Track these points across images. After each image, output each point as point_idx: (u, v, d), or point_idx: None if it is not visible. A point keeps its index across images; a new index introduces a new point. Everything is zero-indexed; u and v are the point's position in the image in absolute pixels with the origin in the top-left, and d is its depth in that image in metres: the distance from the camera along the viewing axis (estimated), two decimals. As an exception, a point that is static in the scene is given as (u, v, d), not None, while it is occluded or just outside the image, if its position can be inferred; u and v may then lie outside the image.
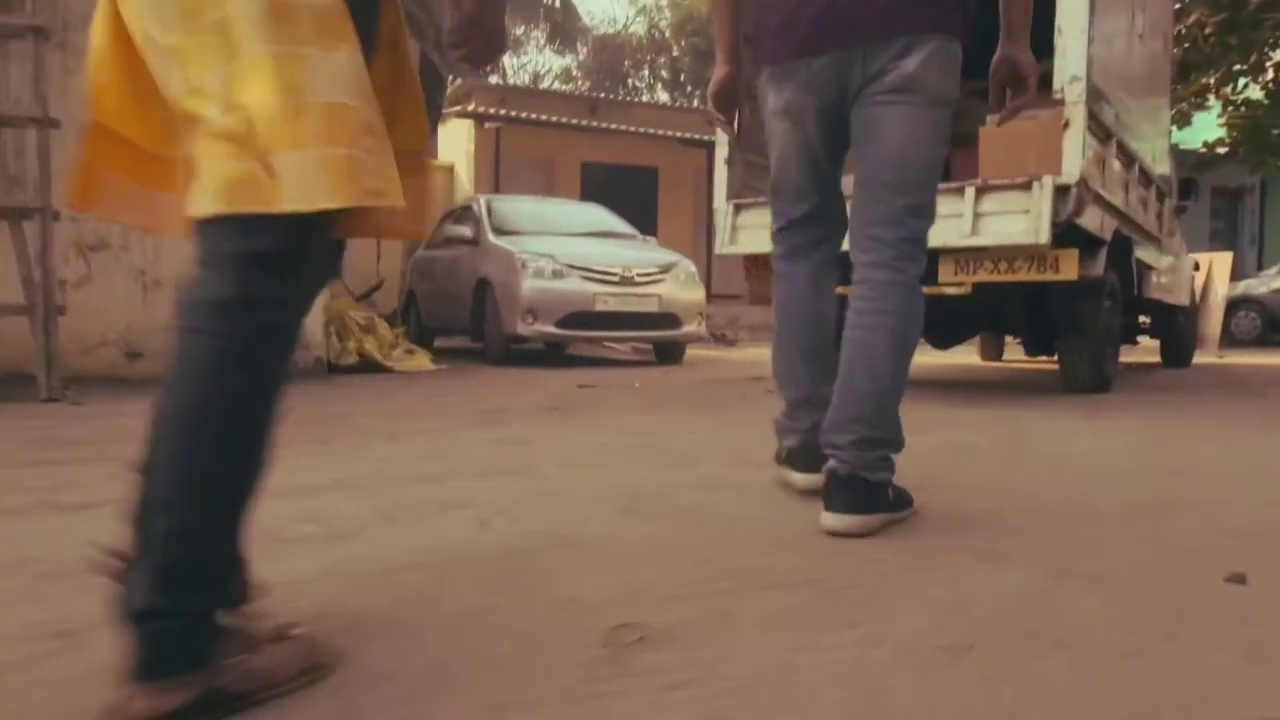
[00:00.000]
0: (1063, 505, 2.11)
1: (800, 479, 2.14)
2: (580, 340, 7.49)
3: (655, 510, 2.03)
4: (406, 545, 1.70)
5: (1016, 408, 4.26)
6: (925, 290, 2.02)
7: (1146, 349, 8.30)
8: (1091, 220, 4.34)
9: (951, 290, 4.46)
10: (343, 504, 2.03)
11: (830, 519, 1.80)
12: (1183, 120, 13.91)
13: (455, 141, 17.46)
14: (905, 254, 1.88)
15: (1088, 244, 4.39)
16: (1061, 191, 4.04)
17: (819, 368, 2.11)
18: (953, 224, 4.23)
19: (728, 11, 2.19)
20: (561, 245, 7.62)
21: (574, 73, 29.67)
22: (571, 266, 7.28)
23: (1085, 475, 2.49)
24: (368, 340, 6.72)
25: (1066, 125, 4.08)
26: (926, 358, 7.34)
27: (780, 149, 2.07)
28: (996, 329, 5.55)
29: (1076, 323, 4.79)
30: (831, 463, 1.84)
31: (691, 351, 9.80)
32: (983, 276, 4.33)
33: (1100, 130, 4.47)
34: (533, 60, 33.97)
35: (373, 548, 1.68)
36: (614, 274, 7.31)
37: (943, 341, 5.68)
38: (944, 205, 4.33)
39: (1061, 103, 4.09)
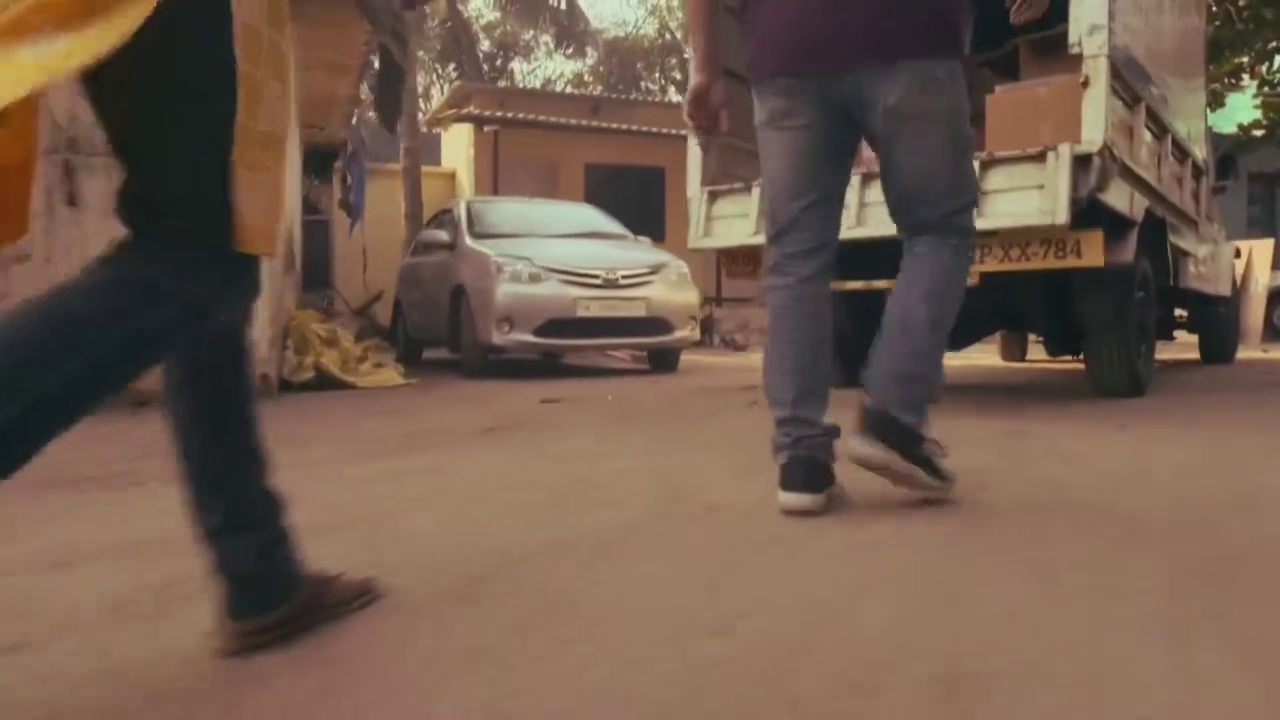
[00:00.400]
0: (1083, 567, 1.51)
1: (787, 499, 1.94)
2: (559, 349, 6.92)
3: (502, 590, 1.46)
4: (88, 664, 1.14)
5: (1035, 418, 3.64)
6: None
7: (1184, 344, 7.60)
8: (1119, 197, 3.72)
9: (956, 282, 3.85)
10: (71, 584, 1.49)
11: (854, 443, 1.91)
12: (1215, 102, 13.09)
13: (456, 147, 17.02)
14: (953, 229, 1.98)
15: (1115, 225, 3.77)
16: (1081, 162, 3.42)
17: (808, 383, 2.00)
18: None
19: (704, 22, 2.15)
20: (541, 247, 7.08)
21: (586, 78, 29.19)
22: (550, 269, 6.73)
23: (1116, 515, 1.88)
24: (327, 354, 6.22)
25: (1086, 83, 3.46)
26: (940, 360, 6.68)
27: (769, 158, 2.06)
28: (1014, 326, 4.91)
29: (1104, 317, 4.15)
30: (866, 400, 1.93)
31: (693, 358, 9.23)
32: (991, 265, 3.72)
33: (1127, 92, 3.84)
34: (543, 66, 33.57)
35: (26, 673, 1.13)
36: (596, 276, 6.75)
37: (951, 342, 5.03)
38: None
39: (1079, 58, 3.48)
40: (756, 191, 4.22)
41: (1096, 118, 3.44)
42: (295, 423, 3.90)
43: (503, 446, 3.07)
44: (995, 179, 3.58)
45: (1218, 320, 7.02)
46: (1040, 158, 3.45)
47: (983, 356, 7.90)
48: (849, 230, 3.25)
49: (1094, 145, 3.42)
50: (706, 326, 13.04)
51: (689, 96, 2.15)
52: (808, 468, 1.93)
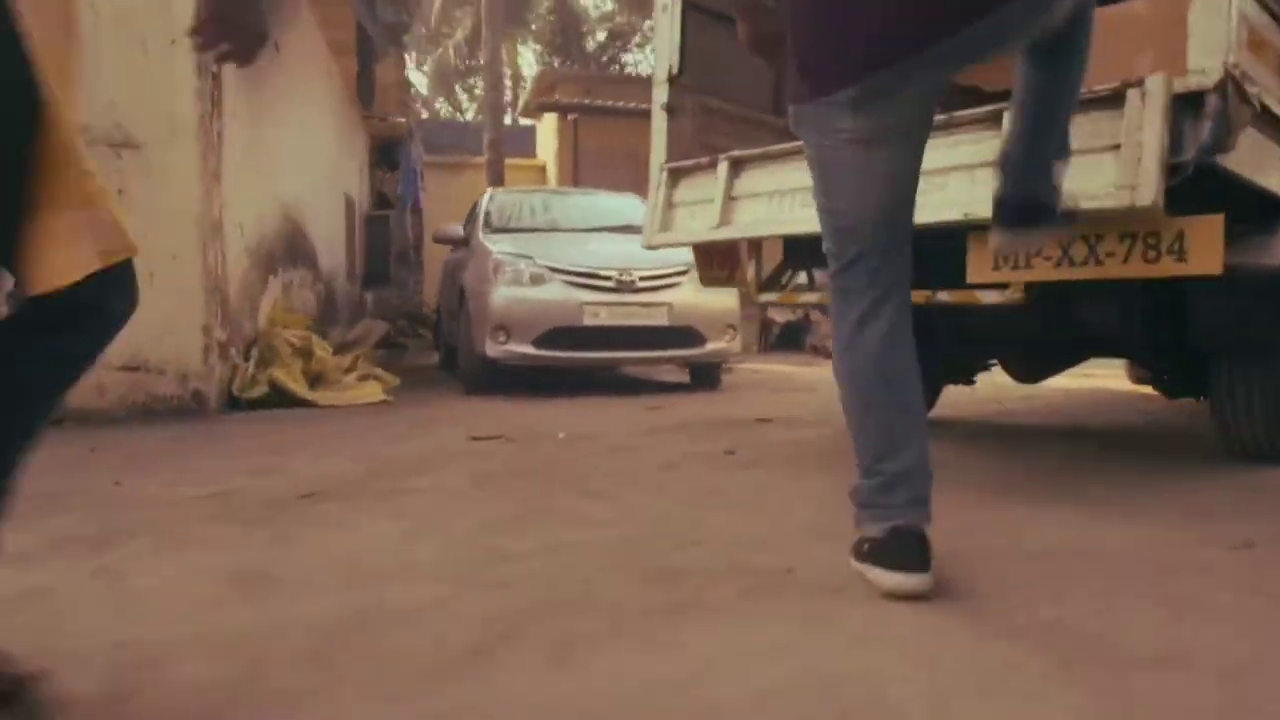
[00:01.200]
0: None
1: (889, 580, 1.59)
2: (560, 364, 5.86)
3: None
4: None
5: (1116, 501, 2.35)
6: (947, 297, 2.35)
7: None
8: (1258, 165, 2.36)
9: (991, 298, 2.58)
10: None
11: (1001, 237, 2.03)
12: None
13: (546, 137, 16.31)
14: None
15: (1251, 209, 2.42)
16: (1187, 105, 2.12)
17: (905, 425, 1.69)
18: (980, 179, 2.39)
19: None
20: (551, 244, 6.09)
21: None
22: (554, 270, 5.73)
23: None
24: (294, 366, 5.45)
25: (1195, -22, 2.15)
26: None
27: (856, 178, 1.72)
28: (1105, 354, 3.50)
29: (1238, 345, 2.78)
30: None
31: (770, 366, 8.07)
32: (1042, 273, 2.42)
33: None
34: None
35: None
36: (607, 278, 5.70)
37: (1026, 372, 3.70)
38: (963, 144, 2.50)
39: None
40: (723, 169, 3.08)
41: (1215, 32, 2.12)
42: (109, 460, 3.05)
43: (237, 545, 2.08)
44: (1046, 138, 2.30)
45: None
46: (1116, 99, 2.15)
47: (1106, 375, 6.32)
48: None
49: (1209, 76, 2.10)
50: (801, 330, 11.74)
51: (749, 40, 1.95)
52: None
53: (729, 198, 3.05)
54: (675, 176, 3.35)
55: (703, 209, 3.17)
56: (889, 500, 1.66)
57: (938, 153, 2.42)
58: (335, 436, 4.01)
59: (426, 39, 24.48)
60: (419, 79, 26.81)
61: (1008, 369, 3.72)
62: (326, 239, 8.49)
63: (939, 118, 2.44)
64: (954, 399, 4.37)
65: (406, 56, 10.01)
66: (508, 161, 14.51)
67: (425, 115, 25.82)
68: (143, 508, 2.45)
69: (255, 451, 3.50)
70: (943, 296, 2.67)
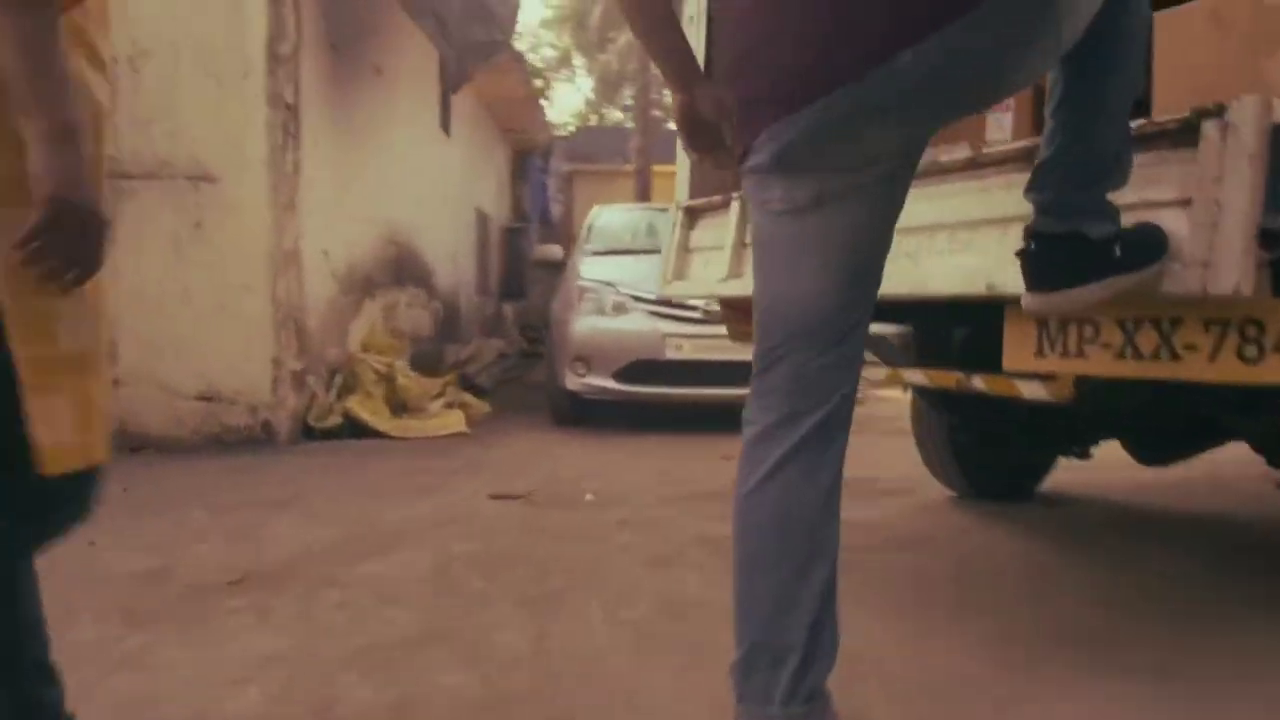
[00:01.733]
0: None
1: None
2: (641, 399, 5.45)
3: None
4: None
5: (1190, 698, 1.70)
6: (981, 384, 1.97)
7: None
8: None
9: (1033, 391, 1.96)
10: None
11: (1032, 300, 1.50)
12: None
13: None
14: None
15: None
16: (1295, 140, 1.45)
17: (804, 586, 1.26)
18: (1014, 238, 1.79)
19: (661, 26, 1.38)
20: (643, 269, 5.69)
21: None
22: (637, 299, 5.36)
23: None
24: (375, 393, 5.40)
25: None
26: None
27: (784, 256, 1.33)
28: (1234, 437, 2.65)
29: None
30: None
31: (899, 395, 7.29)
32: (1098, 366, 1.77)
33: None
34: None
35: None
36: (693, 308, 5.24)
37: (1143, 454, 2.92)
38: (994, 190, 1.91)
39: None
40: (734, 211, 2.60)
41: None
42: (126, 505, 3.00)
43: (72, 664, 1.87)
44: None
45: None
46: (1186, 133, 1.51)
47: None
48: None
49: (1332, 98, 1.43)
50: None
51: (681, 125, 1.45)
52: None
53: (741, 244, 2.57)
54: (692, 216, 2.90)
55: (716, 256, 2.70)
56: (765, 691, 1.24)
57: (957, 200, 1.88)
58: (361, 482, 3.85)
59: (594, 45, 24.75)
60: (585, 84, 27.24)
61: (1125, 448, 2.98)
62: (448, 256, 8.53)
63: (958, 155, 1.89)
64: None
65: (525, 67, 9.91)
66: (657, 168, 14.26)
67: (594, 121, 26.16)
68: (51, 588, 2.31)
69: (260, 503, 3.37)
70: (977, 383, 2.08)
